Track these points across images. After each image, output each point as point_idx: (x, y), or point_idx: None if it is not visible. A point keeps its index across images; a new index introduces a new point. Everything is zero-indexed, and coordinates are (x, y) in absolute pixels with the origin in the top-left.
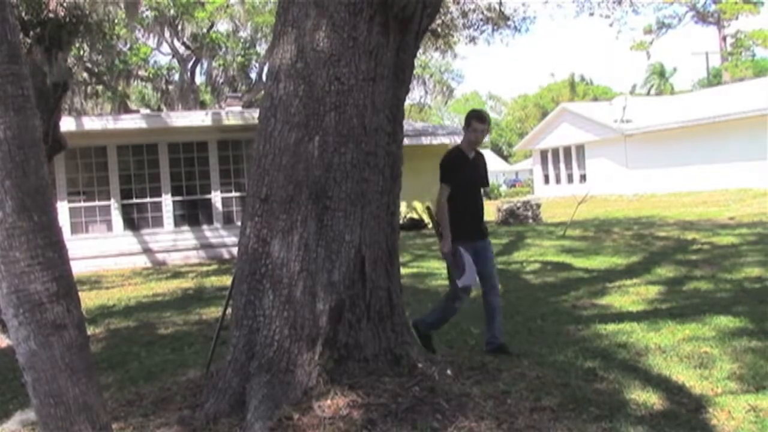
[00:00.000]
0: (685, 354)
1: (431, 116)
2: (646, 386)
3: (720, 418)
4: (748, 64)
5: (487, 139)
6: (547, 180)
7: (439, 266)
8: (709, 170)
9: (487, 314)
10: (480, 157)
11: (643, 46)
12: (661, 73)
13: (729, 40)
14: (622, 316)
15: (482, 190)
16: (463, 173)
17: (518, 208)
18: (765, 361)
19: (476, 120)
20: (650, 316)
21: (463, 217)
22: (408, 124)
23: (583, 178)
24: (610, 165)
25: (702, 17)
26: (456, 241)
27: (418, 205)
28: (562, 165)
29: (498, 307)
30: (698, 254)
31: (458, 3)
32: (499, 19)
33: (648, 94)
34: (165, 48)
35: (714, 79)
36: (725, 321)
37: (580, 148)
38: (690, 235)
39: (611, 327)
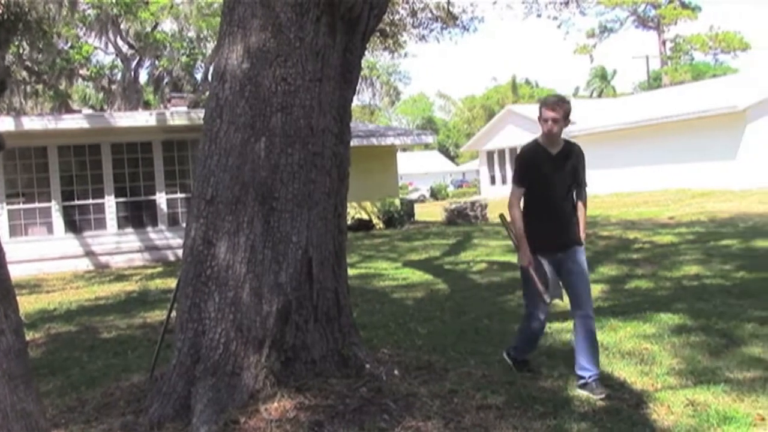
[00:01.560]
0: (627, 351)
1: (379, 118)
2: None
3: (660, 412)
4: (687, 68)
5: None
6: (493, 181)
7: (387, 267)
8: (649, 171)
9: (577, 342)
10: (570, 153)
11: (586, 49)
12: (604, 76)
13: (668, 45)
14: (566, 315)
15: (573, 193)
16: (539, 172)
17: (465, 209)
18: (702, 356)
19: (544, 106)
20: (595, 313)
21: (541, 225)
22: (358, 125)
23: None
24: None
25: (643, 22)
26: (534, 254)
27: (367, 205)
28: (508, 166)
29: (589, 333)
30: (639, 253)
31: (407, 2)
32: (447, 18)
33: (591, 96)
34: (108, 47)
35: (654, 82)
36: (665, 318)
37: None
38: (632, 235)
39: (556, 325)
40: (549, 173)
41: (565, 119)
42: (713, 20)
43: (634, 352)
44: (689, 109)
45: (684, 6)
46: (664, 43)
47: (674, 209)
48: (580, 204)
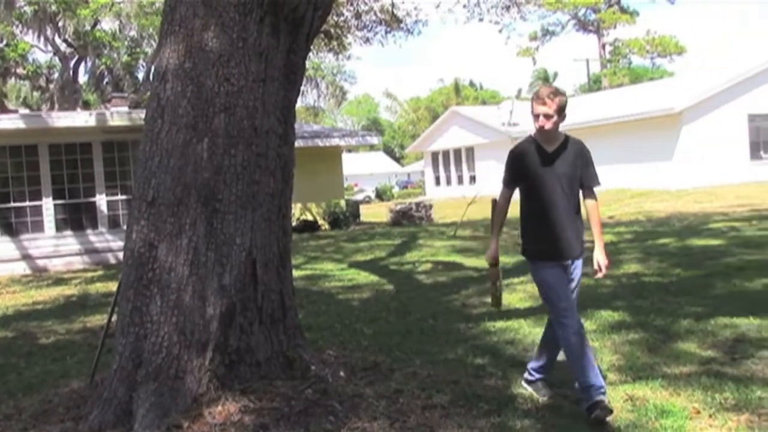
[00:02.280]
0: None
1: (324, 119)
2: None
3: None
4: (626, 71)
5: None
6: (438, 181)
7: (332, 268)
8: None
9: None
10: (570, 150)
11: (528, 52)
12: (545, 78)
13: (608, 48)
14: (510, 314)
15: (577, 195)
16: (532, 172)
17: (410, 209)
18: (641, 352)
19: (535, 100)
20: (537, 312)
21: (540, 231)
22: (303, 126)
23: (473, 179)
24: (498, 167)
25: (583, 26)
26: (535, 262)
27: (312, 206)
28: (452, 167)
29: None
30: None
31: (351, 4)
32: (391, 21)
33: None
34: (46, 45)
35: (594, 84)
36: (605, 315)
37: (470, 151)
38: None
39: (500, 324)
40: (543, 173)
41: (560, 113)
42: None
43: None
44: (628, 111)
45: (622, 11)
46: (603, 46)
47: (614, 209)
48: (589, 206)
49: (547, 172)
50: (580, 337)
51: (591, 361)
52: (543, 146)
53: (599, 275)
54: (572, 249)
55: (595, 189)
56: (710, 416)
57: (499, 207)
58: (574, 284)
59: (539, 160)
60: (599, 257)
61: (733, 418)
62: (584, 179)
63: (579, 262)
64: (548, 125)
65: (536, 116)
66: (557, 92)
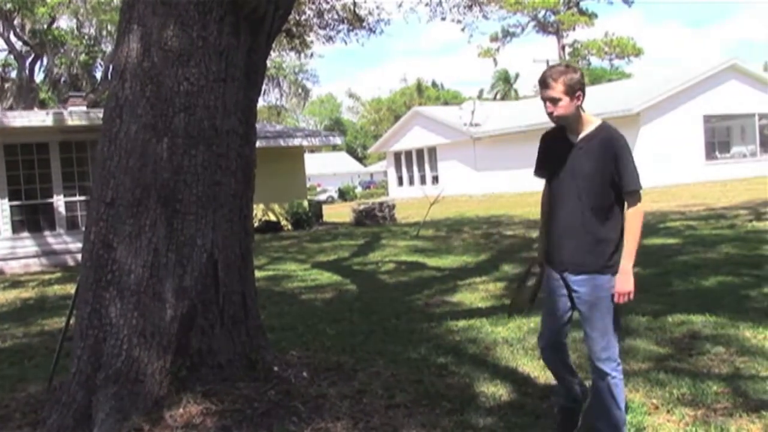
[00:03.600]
0: (531, 347)
1: (287, 119)
2: (495, 379)
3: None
4: (585, 72)
5: (341, 141)
6: (401, 182)
7: (295, 268)
8: None
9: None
10: (599, 142)
11: (490, 53)
12: (506, 79)
13: (567, 49)
14: (472, 313)
15: (606, 199)
16: (549, 160)
17: (373, 209)
18: None
19: (540, 85)
20: (498, 311)
21: (550, 230)
22: (265, 126)
23: (435, 179)
24: (460, 167)
25: (543, 27)
26: (546, 263)
27: (275, 206)
28: (415, 167)
29: (598, 393)
30: None
31: (313, 3)
32: (354, 20)
33: (495, 98)
34: (0, 43)
35: None
36: None
37: (432, 151)
38: (534, 234)
39: (462, 323)
40: (561, 165)
41: (572, 94)
42: (608, 27)
43: (538, 347)
44: (587, 112)
45: (581, 12)
46: (563, 47)
47: None
48: (628, 216)
49: (565, 164)
50: (547, 361)
51: (559, 388)
52: (567, 136)
53: (618, 300)
54: (567, 260)
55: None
56: (668, 411)
57: (544, 200)
58: (583, 307)
59: (560, 150)
60: (618, 280)
61: (690, 413)
62: (617, 180)
63: (585, 280)
64: (558, 111)
65: (543, 102)
66: (564, 70)
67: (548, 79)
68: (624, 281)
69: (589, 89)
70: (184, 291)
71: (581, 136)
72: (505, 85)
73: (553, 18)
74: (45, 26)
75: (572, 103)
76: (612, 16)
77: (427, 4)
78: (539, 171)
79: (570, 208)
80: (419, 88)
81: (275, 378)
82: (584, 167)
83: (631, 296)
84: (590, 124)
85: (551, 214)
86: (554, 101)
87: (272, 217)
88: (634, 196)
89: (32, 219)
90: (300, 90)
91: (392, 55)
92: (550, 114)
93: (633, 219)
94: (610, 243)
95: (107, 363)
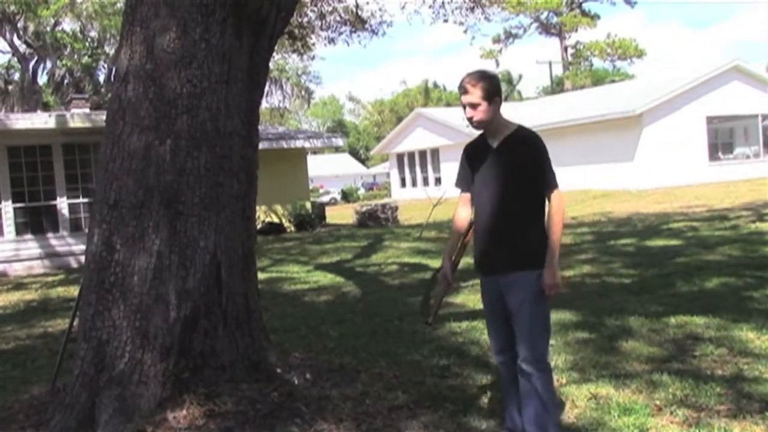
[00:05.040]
0: None
1: (289, 121)
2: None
3: (564, 406)
4: (587, 74)
5: (344, 143)
6: (403, 183)
7: (298, 270)
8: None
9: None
10: (517, 144)
11: (492, 54)
12: (509, 81)
13: (570, 51)
14: (474, 314)
15: (528, 197)
16: (474, 170)
17: (376, 211)
18: (603, 351)
19: (459, 90)
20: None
21: (476, 236)
22: (268, 128)
23: (438, 181)
24: None
25: (545, 29)
26: (476, 271)
27: (278, 208)
28: (418, 168)
29: (526, 391)
30: None
31: (316, 5)
32: (356, 22)
33: None
34: (3, 45)
35: (557, 86)
36: (568, 315)
37: (435, 152)
38: None
39: (464, 325)
40: (484, 170)
41: (490, 99)
42: (610, 27)
43: None
44: (590, 113)
45: (584, 14)
46: (566, 49)
47: (577, 210)
48: (551, 212)
49: (488, 169)
50: (504, 374)
51: (508, 401)
52: (487, 142)
53: (549, 294)
54: (493, 261)
55: (558, 189)
56: (671, 413)
57: (457, 213)
58: (513, 306)
59: (482, 157)
60: (545, 275)
61: (693, 414)
62: (537, 178)
63: (515, 279)
64: (477, 116)
65: (463, 108)
66: (479, 76)
67: (467, 84)
68: (551, 275)
69: (591, 90)
70: (186, 293)
71: (501, 139)
72: (508, 87)
73: (555, 19)
74: (48, 29)
75: (491, 107)
76: (613, 16)
77: (430, 6)
78: (461, 182)
79: (495, 210)
80: (426, 90)
81: (278, 379)
82: (507, 169)
83: (559, 289)
84: (508, 128)
85: (477, 222)
86: (473, 106)
87: (275, 219)
88: (555, 193)
89: (35, 221)
90: (303, 92)
91: (394, 57)
92: (470, 119)
93: (555, 215)
94: (536, 241)
95: (110, 365)
